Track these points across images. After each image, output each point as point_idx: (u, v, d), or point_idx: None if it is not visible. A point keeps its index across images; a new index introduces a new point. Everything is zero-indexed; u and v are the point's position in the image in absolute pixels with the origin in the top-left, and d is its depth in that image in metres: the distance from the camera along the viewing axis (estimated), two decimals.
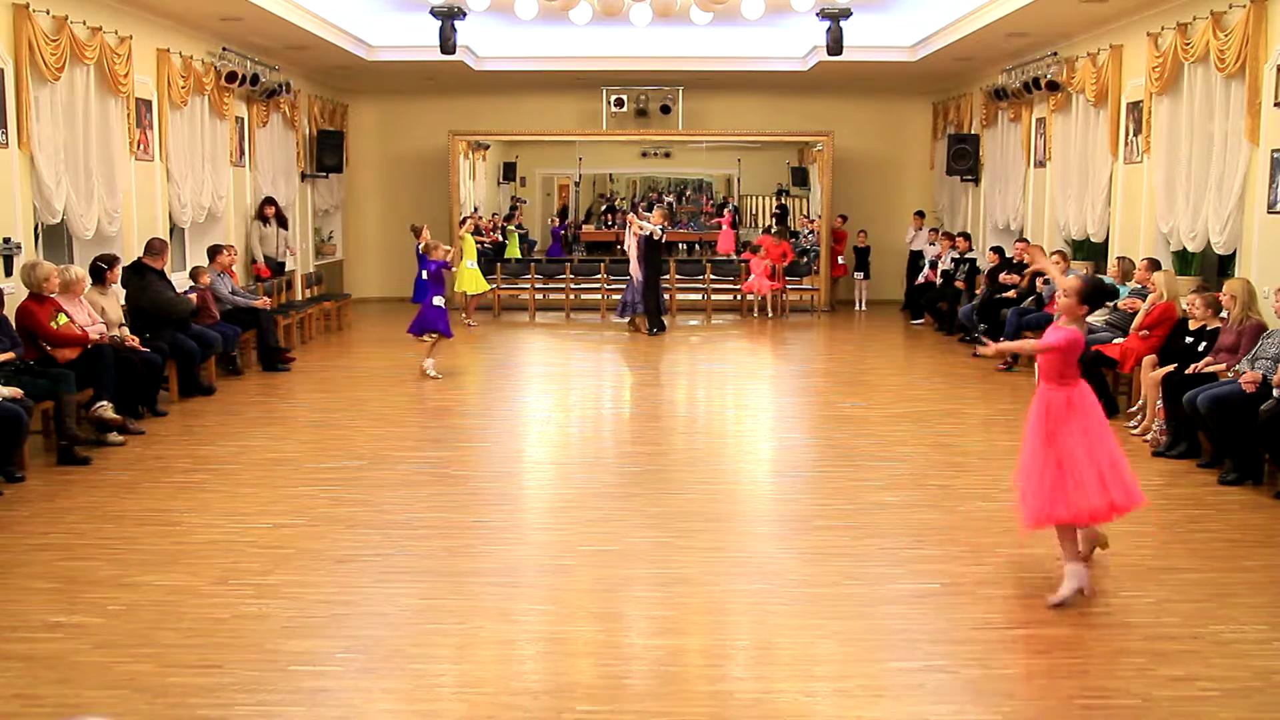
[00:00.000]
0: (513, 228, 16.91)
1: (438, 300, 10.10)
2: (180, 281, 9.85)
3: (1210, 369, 7.07)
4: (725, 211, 18.79)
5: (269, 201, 12.64)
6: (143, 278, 8.89)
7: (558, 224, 18.87)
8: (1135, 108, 9.79)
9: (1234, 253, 8.21)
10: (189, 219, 10.64)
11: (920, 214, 15.86)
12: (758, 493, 6.77)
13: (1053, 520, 4.65)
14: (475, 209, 17.14)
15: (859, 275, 16.03)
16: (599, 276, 15.66)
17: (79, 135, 8.67)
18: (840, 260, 15.96)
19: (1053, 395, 4.76)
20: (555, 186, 19.67)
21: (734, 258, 16.05)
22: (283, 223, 13.01)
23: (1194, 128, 8.67)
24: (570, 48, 13.94)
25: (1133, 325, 8.31)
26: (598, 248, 18.64)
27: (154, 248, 9.13)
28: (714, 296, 15.39)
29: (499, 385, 10.14)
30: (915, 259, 15.67)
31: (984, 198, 14.26)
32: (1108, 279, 9.65)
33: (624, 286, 13.61)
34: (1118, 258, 9.68)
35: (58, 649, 4.15)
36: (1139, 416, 7.83)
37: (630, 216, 13.92)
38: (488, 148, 18.19)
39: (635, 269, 13.23)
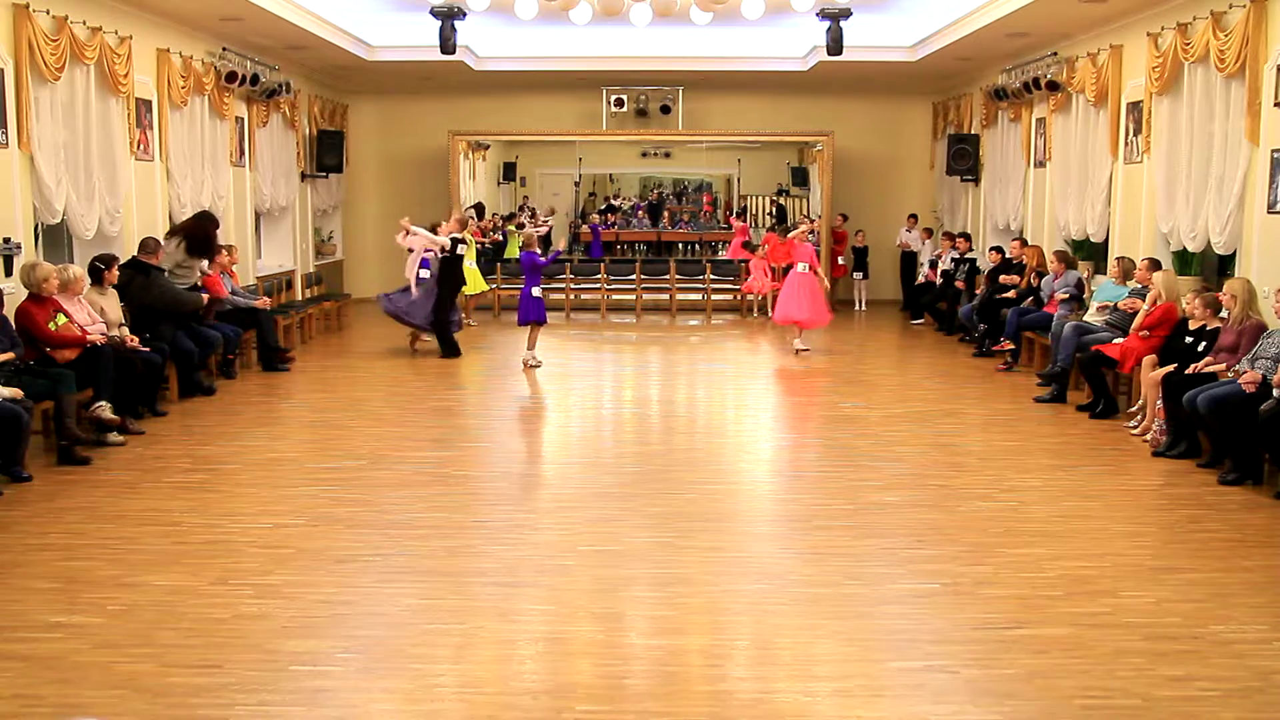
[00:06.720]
0: (513, 228, 16.91)
1: (536, 291, 10.52)
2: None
3: (1210, 369, 7.07)
4: (736, 218, 18.52)
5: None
6: (148, 276, 8.87)
7: (597, 223, 18.73)
8: (1135, 108, 9.79)
9: (1234, 253, 8.21)
10: None
11: (913, 216, 15.93)
12: (758, 493, 6.77)
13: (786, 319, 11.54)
14: (480, 204, 17.12)
15: (858, 275, 16.05)
16: (598, 276, 15.66)
17: (79, 135, 8.67)
18: (840, 261, 15.98)
19: (798, 271, 11.48)
20: (593, 184, 19.69)
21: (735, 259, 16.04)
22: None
23: (1194, 128, 8.67)
24: (570, 48, 13.94)
25: (1133, 325, 8.32)
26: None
27: (148, 246, 9.07)
28: (714, 296, 15.39)
29: (499, 385, 10.14)
30: (909, 260, 15.73)
31: (984, 198, 14.26)
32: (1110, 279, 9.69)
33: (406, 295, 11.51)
34: (1118, 258, 9.67)
35: (58, 649, 4.14)
36: (1139, 416, 7.83)
37: (406, 221, 11.74)
38: (488, 148, 18.17)
39: (415, 279, 11.43)
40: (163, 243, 9.41)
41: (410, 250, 11.85)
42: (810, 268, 11.63)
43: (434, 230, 11.72)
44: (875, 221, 16.31)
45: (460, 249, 11.43)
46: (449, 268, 11.35)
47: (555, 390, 9.96)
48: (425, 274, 12.26)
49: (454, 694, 3.83)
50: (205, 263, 9.80)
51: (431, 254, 11.64)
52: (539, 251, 10.79)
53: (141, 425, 7.82)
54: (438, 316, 11.30)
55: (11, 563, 5.12)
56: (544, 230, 15.15)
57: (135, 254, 9.06)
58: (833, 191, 15.81)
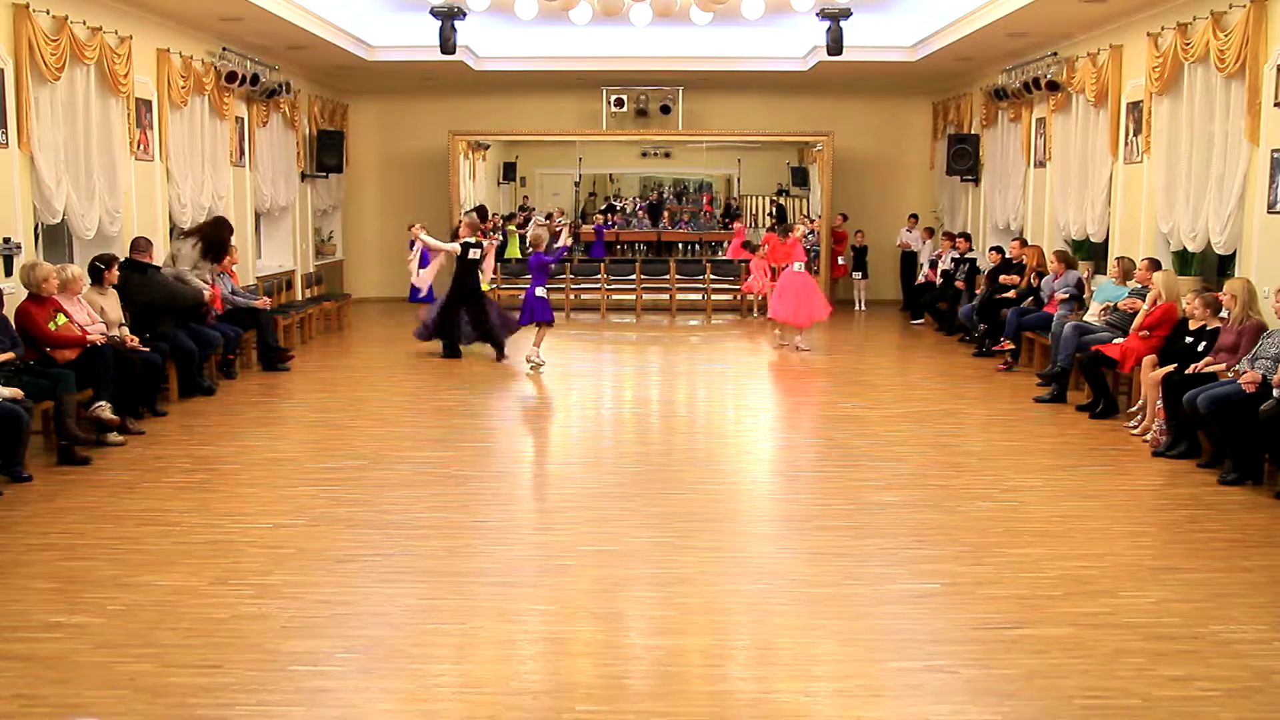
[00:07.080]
0: (513, 227, 16.92)
1: (540, 291, 10.54)
2: None
3: (1210, 369, 7.07)
4: (736, 222, 18.49)
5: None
6: (144, 274, 8.88)
7: (602, 223, 18.66)
8: (1135, 108, 9.79)
9: (1234, 253, 8.21)
10: (189, 219, 10.61)
11: (914, 216, 15.94)
12: (758, 493, 6.77)
13: (780, 317, 11.70)
14: (482, 206, 17.11)
15: (857, 275, 16.05)
16: (599, 276, 15.66)
17: (79, 135, 8.66)
18: (840, 260, 15.99)
19: (792, 270, 11.66)
20: (594, 184, 19.65)
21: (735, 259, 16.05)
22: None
23: (1194, 128, 8.66)
24: (570, 48, 13.94)
25: (1133, 326, 8.32)
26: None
27: (140, 245, 9.06)
28: (714, 296, 15.39)
29: (499, 385, 10.13)
30: (909, 260, 15.74)
31: (984, 198, 14.26)
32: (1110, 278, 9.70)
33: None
34: (1118, 258, 9.67)
35: (58, 649, 4.14)
36: (1139, 416, 7.83)
37: (415, 229, 11.81)
38: (488, 148, 18.18)
39: (426, 281, 11.66)
40: (177, 241, 9.54)
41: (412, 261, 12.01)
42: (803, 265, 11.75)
43: (454, 237, 11.83)
44: (875, 221, 16.31)
45: (473, 253, 11.33)
46: (462, 272, 11.29)
47: (555, 390, 9.96)
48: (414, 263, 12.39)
49: (454, 694, 3.83)
50: (209, 268, 9.90)
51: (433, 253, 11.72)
52: (545, 252, 10.78)
53: (141, 425, 7.81)
54: (443, 318, 11.30)
55: (11, 563, 5.12)
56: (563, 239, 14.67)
57: (129, 254, 9.07)
58: (833, 191, 15.81)
